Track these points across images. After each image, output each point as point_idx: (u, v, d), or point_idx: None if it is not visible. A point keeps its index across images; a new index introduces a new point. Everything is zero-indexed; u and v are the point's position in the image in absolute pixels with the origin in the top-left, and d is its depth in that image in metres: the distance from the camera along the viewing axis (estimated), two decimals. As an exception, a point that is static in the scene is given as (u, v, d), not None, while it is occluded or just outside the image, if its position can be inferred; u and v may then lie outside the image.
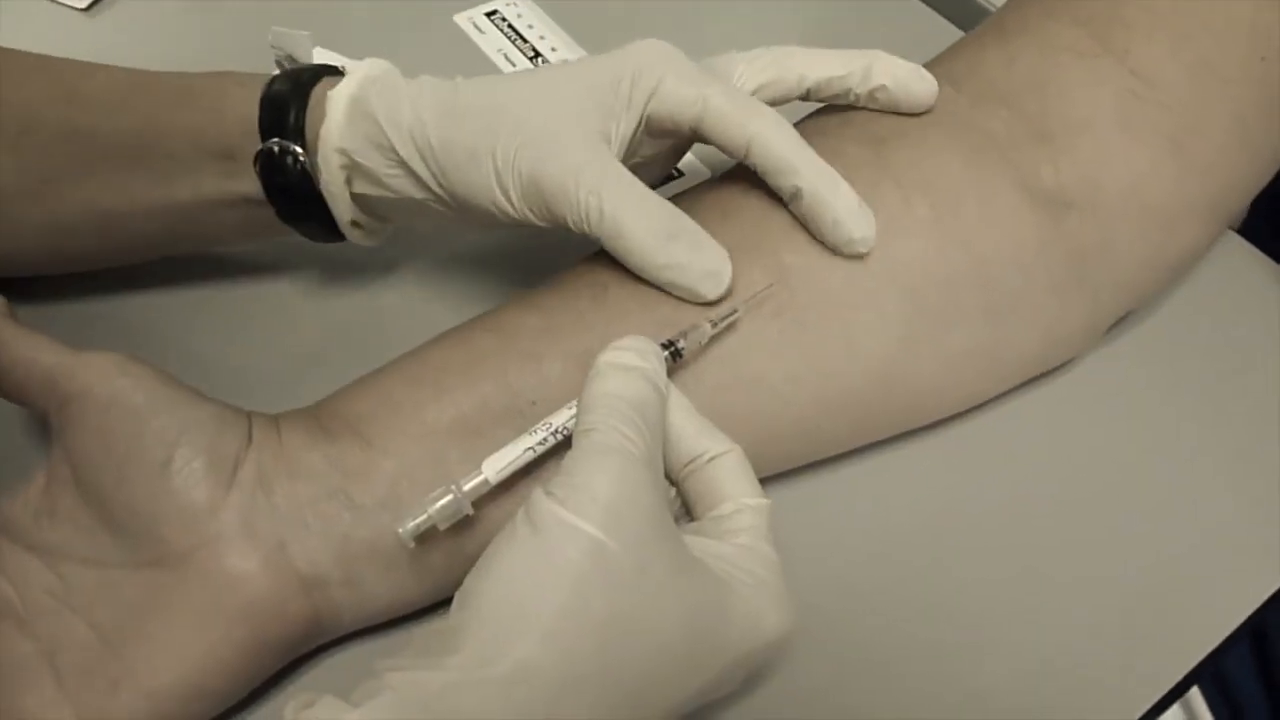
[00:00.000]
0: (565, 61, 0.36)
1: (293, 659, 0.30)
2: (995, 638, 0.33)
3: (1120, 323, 0.39)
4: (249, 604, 0.28)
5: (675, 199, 0.35)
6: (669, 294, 0.32)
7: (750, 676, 0.28)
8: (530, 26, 0.50)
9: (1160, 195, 0.35)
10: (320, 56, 0.48)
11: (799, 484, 0.35)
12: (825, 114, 0.37)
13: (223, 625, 0.28)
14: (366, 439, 0.30)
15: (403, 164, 0.32)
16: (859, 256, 0.32)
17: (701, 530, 0.27)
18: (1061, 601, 0.33)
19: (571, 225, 0.31)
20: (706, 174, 0.44)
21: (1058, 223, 0.34)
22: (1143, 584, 0.34)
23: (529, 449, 0.29)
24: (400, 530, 0.27)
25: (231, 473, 0.29)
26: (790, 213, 0.33)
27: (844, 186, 0.31)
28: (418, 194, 0.33)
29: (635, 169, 0.31)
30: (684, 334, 0.30)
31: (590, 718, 0.23)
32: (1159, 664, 0.32)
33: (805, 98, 0.35)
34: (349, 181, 0.33)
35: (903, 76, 0.34)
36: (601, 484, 0.24)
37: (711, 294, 0.31)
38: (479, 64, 0.49)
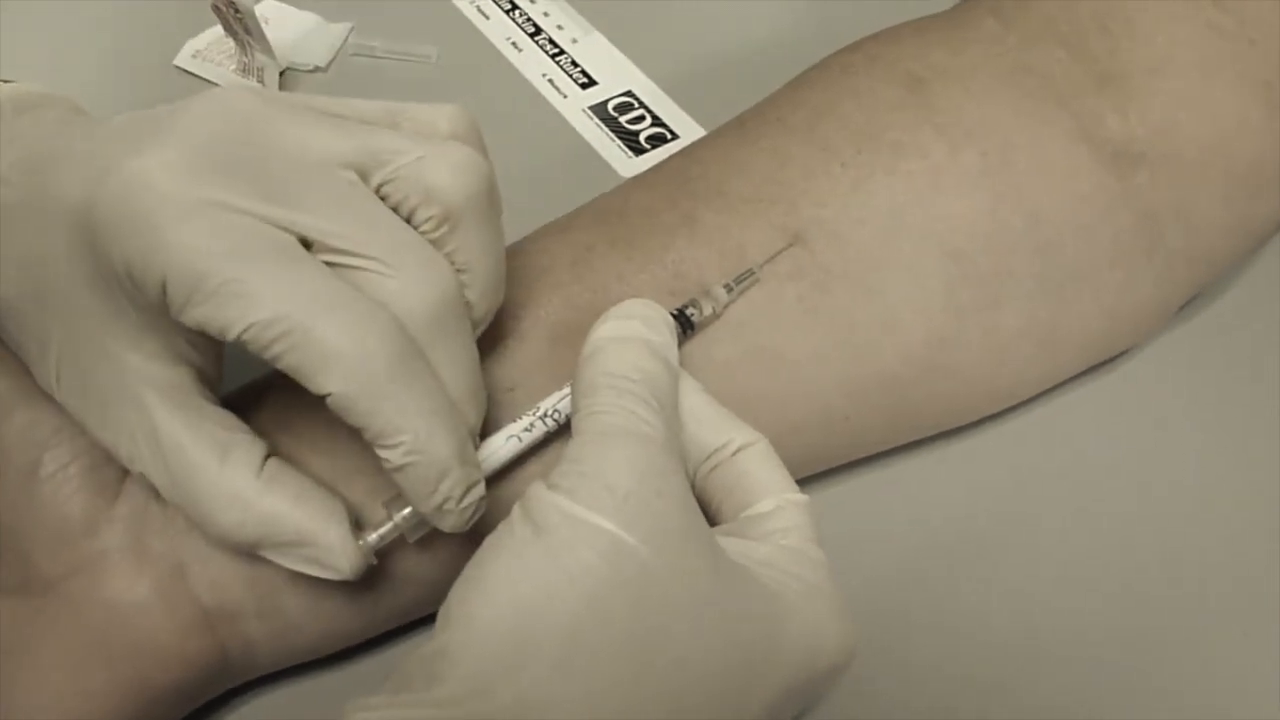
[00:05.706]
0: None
1: (201, 704, 0.26)
2: (1074, 681, 0.28)
3: (1191, 302, 0.35)
4: (137, 642, 0.24)
5: (677, 154, 0.31)
6: (667, 255, 0.28)
7: (803, 713, 0.25)
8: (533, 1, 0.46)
9: (1247, 149, 0.31)
10: (272, 9, 0.43)
11: (821, 491, 0.31)
12: (849, 52, 0.32)
13: (103, 668, 0.24)
14: (293, 431, 0.26)
15: None
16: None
17: (734, 532, 0.23)
18: (1150, 634, 0.29)
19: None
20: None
21: (1126, 180, 0.30)
22: (1227, 625, 0.30)
23: (513, 437, 0.25)
24: (359, 543, 0.24)
25: (118, 479, 0.25)
26: (806, 152, 0.29)
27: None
28: None
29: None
30: (695, 301, 0.27)
31: None
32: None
33: None
34: None
35: None
36: (617, 471, 0.21)
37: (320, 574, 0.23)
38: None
